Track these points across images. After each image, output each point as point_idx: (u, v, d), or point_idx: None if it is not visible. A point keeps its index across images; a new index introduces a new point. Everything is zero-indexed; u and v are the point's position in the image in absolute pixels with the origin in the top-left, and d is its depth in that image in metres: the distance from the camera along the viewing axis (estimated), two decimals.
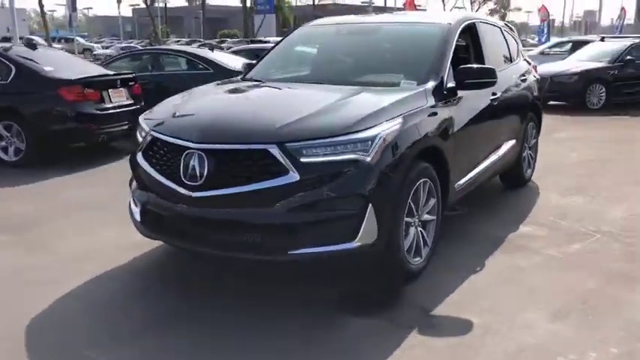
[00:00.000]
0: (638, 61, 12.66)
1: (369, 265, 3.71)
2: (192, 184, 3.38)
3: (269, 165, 3.27)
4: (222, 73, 9.21)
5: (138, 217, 3.82)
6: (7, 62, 7.46)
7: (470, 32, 4.99)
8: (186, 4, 79.83)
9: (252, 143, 3.31)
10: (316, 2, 48.77)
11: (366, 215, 3.27)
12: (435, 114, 3.92)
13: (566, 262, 4.15)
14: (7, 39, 37.92)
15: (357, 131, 3.33)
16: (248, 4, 47.44)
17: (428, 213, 3.92)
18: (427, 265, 3.90)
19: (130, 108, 8.05)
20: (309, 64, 4.96)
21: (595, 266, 4.05)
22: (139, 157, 3.76)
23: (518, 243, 4.52)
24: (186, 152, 3.41)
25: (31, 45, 8.31)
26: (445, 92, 4.15)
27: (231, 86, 4.57)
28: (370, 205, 3.28)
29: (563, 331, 3.18)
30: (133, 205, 3.93)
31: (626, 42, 13.48)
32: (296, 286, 3.77)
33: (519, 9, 67.63)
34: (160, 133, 3.65)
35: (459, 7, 62.48)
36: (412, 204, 3.66)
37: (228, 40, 37.62)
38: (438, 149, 3.92)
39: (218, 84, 4.75)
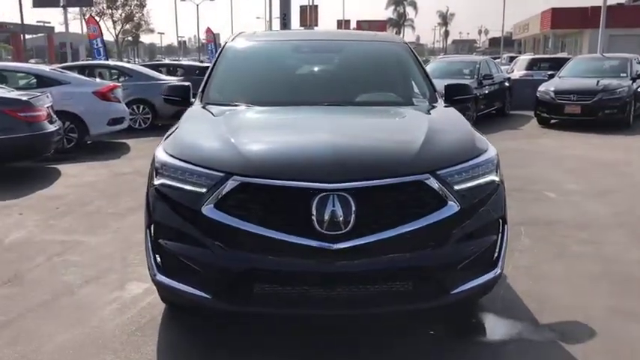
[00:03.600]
0: None
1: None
2: (334, 233, 2.72)
3: (425, 198, 2.87)
4: None
5: (208, 293, 2.86)
6: None
7: None
8: None
9: (404, 175, 2.85)
10: None
11: (504, 238, 3.16)
12: None
13: None
14: None
15: (485, 151, 3.19)
16: None
17: None
18: None
19: None
20: (278, 85, 4.29)
21: None
22: (213, 212, 2.80)
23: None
24: (319, 196, 2.72)
25: None
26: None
27: (251, 112, 3.79)
28: (506, 226, 3.18)
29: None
30: (189, 280, 2.92)
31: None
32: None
33: (152, 30, 67.92)
34: (256, 177, 2.80)
35: None
36: None
37: None
38: None
39: (213, 111, 3.76)
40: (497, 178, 3.15)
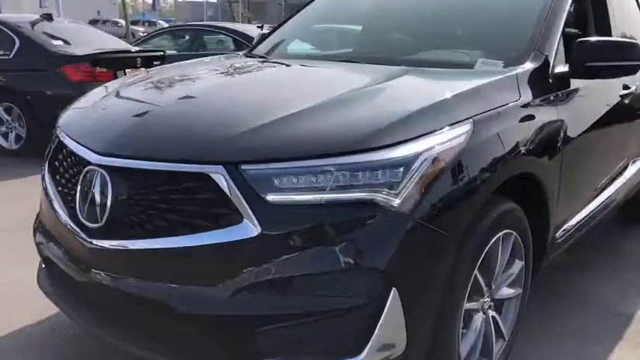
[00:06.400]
0: None
1: None
2: (91, 225, 1.95)
3: (209, 203, 1.77)
4: None
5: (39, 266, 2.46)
6: (10, 34, 6.34)
7: None
8: None
9: (182, 162, 1.82)
10: None
11: (385, 309, 1.71)
12: (531, 117, 2.28)
13: None
14: (95, 21, 38.53)
15: (379, 148, 1.76)
16: None
17: (509, 285, 2.31)
18: None
19: None
20: (344, 35, 3.40)
21: None
22: (44, 169, 2.38)
23: None
24: (87, 170, 1.98)
25: (47, 17, 7.10)
26: (551, 81, 2.50)
27: (214, 65, 3.04)
28: (394, 290, 1.71)
29: None
30: None
31: None
32: None
33: None
34: (66, 134, 2.23)
35: None
36: (480, 276, 2.07)
37: None
38: (534, 178, 2.29)
39: (204, 61, 3.27)
40: (391, 201, 1.70)
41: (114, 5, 48.75)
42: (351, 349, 1.72)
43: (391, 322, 1.72)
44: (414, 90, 2.23)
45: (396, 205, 1.71)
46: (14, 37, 6.27)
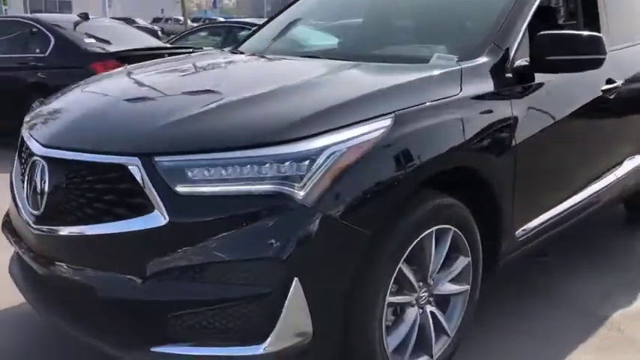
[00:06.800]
0: None
1: None
2: (34, 211, 2.10)
3: (128, 193, 1.87)
4: None
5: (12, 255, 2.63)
6: (46, 32, 6.71)
7: None
8: None
9: (105, 153, 1.92)
10: None
11: (287, 299, 1.76)
12: (474, 112, 2.25)
13: None
14: (158, 19, 39.73)
15: (287, 141, 1.80)
16: None
17: (453, 282, 2.30)
18: None
19: None
20: (326, 30, 3.43)
21: None
22: (15, 162, 2.56)
23: (627, 335, 2.70)
24: (33, 160, 2.13)
25: (84, 16, 7.46)
26: (510, 75, 2.45)
27: (179, 62, 3.14)
28: (296, 280, 1.76)
29: None
30: None
31: None
32: None
33: None
34: (27, 129, 2.39)
35: None
36: (409, 270, 2.07)
37: None
38: (476, 172, 2.27)
39: (175, 58, 3.43)
40: (295, 193, 1.75)
41: (177, 3, 50.12)
42: (256, 337, 1.78)
43: (295, 311, 1.77)
44: (343, 84, 2.26)
45: (301, 197, 1.75)
46: (50, 35, 6.63)
